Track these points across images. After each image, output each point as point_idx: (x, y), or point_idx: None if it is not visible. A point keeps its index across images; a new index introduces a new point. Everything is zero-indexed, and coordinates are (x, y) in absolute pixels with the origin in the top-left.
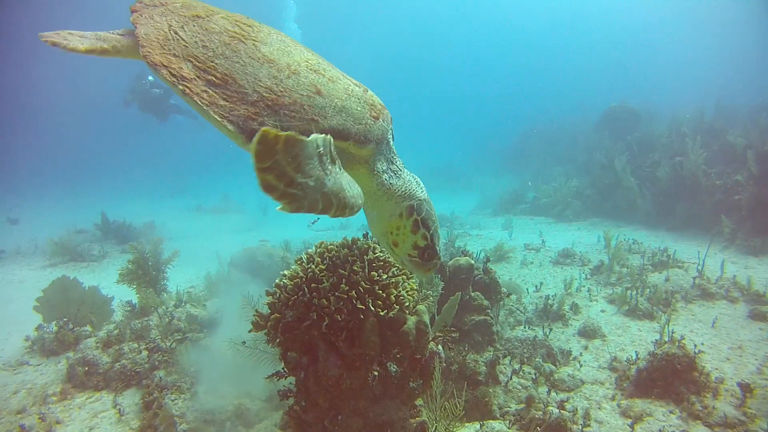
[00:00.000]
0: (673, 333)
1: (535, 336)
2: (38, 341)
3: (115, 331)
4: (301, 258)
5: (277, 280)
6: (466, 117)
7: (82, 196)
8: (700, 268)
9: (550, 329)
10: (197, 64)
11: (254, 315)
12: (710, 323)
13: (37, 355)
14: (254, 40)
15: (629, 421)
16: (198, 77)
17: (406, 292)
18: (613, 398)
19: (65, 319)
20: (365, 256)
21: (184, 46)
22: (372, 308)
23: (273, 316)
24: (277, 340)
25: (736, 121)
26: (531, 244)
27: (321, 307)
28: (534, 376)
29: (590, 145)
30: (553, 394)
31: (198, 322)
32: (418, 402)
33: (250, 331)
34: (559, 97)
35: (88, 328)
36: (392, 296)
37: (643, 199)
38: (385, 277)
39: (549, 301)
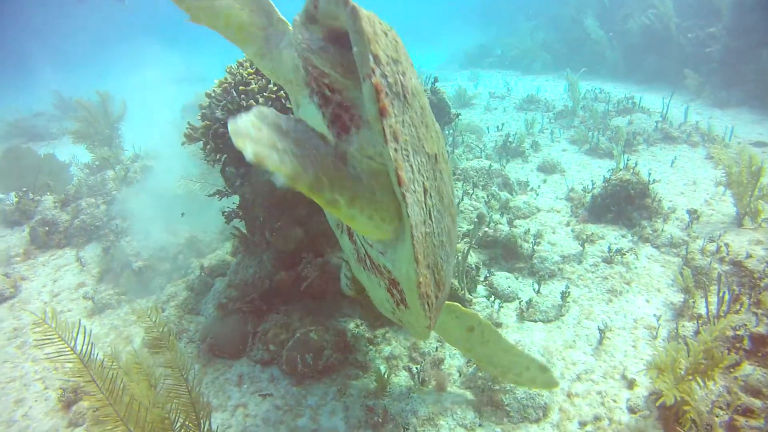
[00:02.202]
0: (628, 161)
1: (491, 165)
2: None
3: (72, 190)
4: (231, 65)
5: (206, 90)
6: None
7: (34, 79)
8: (664, 113)
9: (508, 161)
10: None
11: (186, 127)
12: (669, 163)
13: None
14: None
15: (580, 242)
16: None
17: None
18: (567, 224)
19: (24, 189)
20: None
21: None
22: None
23: (204, 123)
24: (209, 147)
25: None
26: (496, 92)
27: (248, 109)
28: (486, 199)
29: None
30: (506, 217)
31: (154, 172)
32: None
33: (183, 143)
34: None
35: (48, 195)
36: None
37: (612, 51)
38: None
39: (509, 139)
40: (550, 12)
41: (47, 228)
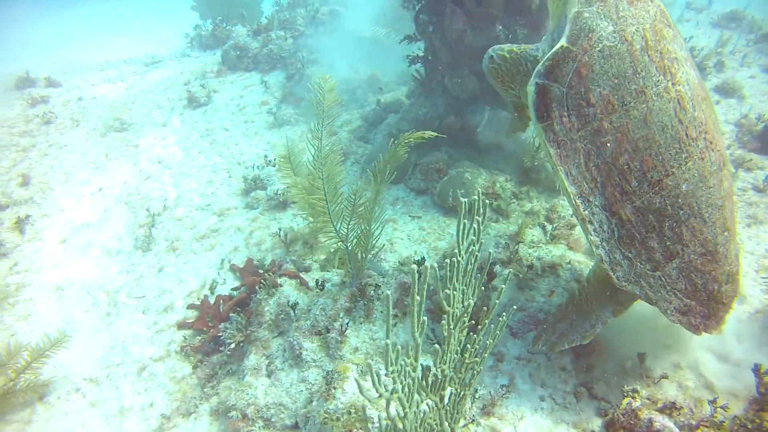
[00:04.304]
0: None
1: None
2: (196, 38)
3: (264, 22)
4: None
5: None
6: None
7: None
8: None
9: None
10: None
11: None
12: None
13: (196, 49)
14: None
15: (735, 165)
16: None
17: None
18: (727, 147)
19: (219, 18)
20: None
21: None
22: None
23: None
24: None
25: None
26: (694, 3)
27: None
28: None
29: None
30: None
31: (341, 16)
32: None
33: None
34: None
35: (240, 26)
36: None
37: None
38: None
39: (693, 52)
40: None
41: (238, 52)
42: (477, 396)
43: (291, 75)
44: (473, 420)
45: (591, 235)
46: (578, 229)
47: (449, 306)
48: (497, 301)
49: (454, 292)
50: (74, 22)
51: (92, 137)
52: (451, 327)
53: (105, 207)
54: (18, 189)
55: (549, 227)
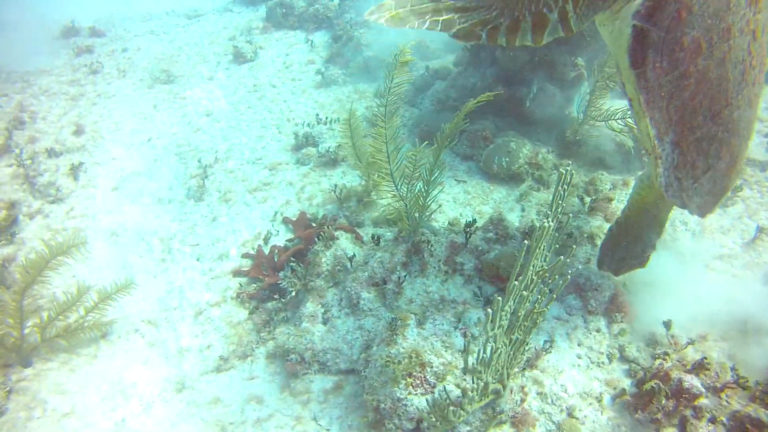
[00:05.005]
0: None
1: None
2: None
3: None
4: None
5: None
6: None
7: None
8: None
9: None
10: None
11: None
12: None
13: (238, 4)
14: None
15: None
16: None
17: None
18: (767, 135)
19: None
20: None
21: None
22: None
23: None
24: None
25: None
26: None
27: None
28: None
29: None
30: None
31: None
32: None
33: None
34: None
35: None
36: None
37: None
38: None
39: None
40: None
41: (284, 10)
42: (527, 348)
43: (338, 36)
44: (522, 369)
45: (659, 167)
46: (614, 203)
47: (535, 259)
48: (568, 260)
49: (539, 249)
50: None
51: (139, 88)
52: (534, 277)
53: (155, 157)
54: (71, 137)
55: (587, 199)
